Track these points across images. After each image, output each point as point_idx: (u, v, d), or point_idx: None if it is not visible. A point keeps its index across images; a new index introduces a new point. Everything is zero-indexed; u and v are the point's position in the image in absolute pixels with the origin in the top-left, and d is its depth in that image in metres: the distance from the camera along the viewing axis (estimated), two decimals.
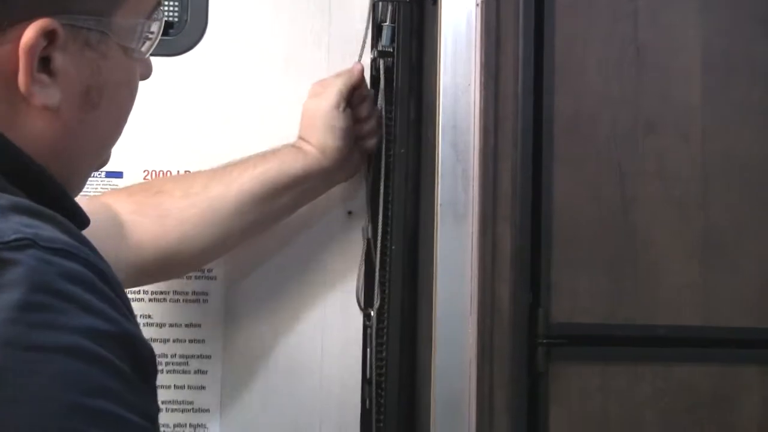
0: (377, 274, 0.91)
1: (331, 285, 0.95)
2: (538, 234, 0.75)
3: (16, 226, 0.43)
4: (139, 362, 0.45)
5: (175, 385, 0.93)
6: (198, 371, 0.93)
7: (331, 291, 0.95)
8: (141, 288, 0.92)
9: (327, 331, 0.94)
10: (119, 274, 0.81)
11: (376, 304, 0.91)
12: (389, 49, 0.90)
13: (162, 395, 0.89)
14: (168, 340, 0.93)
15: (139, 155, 0.92)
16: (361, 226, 0.95)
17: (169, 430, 0.92)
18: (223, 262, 0.94)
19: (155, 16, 0.56)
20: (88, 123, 0.53)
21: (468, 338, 0.73)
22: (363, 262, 0.93)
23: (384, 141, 0.91)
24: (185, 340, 0.94)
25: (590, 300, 0.75)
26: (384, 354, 0.88)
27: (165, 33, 0.58)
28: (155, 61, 0.60)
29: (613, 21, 0.77)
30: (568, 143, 0.76)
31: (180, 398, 0.93)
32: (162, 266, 0.85)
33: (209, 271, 0.94)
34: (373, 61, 0.92)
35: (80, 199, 0.60)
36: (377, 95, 0.92)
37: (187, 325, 0.94)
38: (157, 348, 0.92)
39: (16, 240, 0.42)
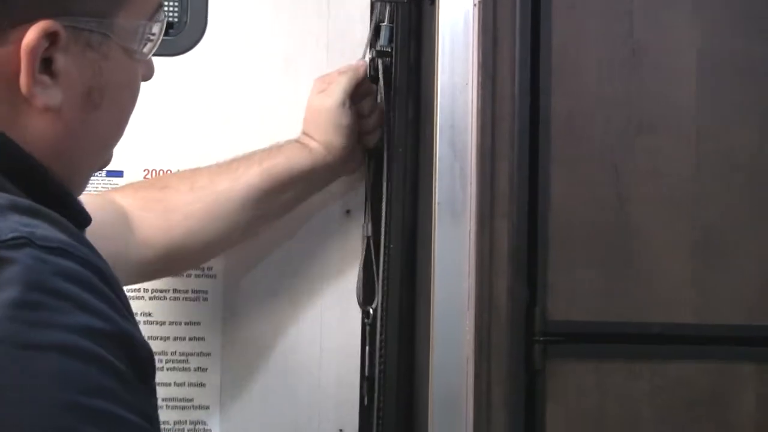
0: (376, 272, 0.91)
1: (330, 283, 0.95)
2: (535, 232, 0.75)
3: (13, 225, 0.44)
4: (136, 362, 0.44)
5: (175, 383, 0.93)
6: (198, 369, 0.93)
7: (330, 289, 0.95)
8: (141, 286, 0.92)
9: (326, 328, 0.94)
10: (126, 269, 0.82)
11: (376, 301, 0.91)
12: (387, 49, 0.90)
13: (162, 392, 0.89)
14: (168, 338, 0.93)
15: (140, 154, 0.92)
16: (358, 225, 0.94)
17: (169, 427, 0.92)
18: (222, 260, 0.94)
19: (157, 17, 0.56)
20: (89, 123, 0.53)
21: (465, 335, 0.73)
22: (363, 261, 0.93)
23: (385, 140, 0.90)
24: (185, 338, 0.94)
25: (587, 298, 0.75)
26: (382, 351, 0.88)
27: (165, 33, 0.58)
28: (155, 60, 0.59)
29: (608, 21, 0.77)
30: (564, 143, 0.76)
31: (180, 395, 0.93)
32: (168, 260, 0.86)
33: (209, 269, 0.94)
34: (372, 61, 0.92)
35: (86, 196, 0.60)
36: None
37: (186, 323, 0.94)
38: (158, 346, 0.92)
39: (12, 239, 0.42)
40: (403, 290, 0.87)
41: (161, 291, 0.94)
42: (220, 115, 0.95)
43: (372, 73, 0.92)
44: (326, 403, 0.94)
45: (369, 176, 0.94)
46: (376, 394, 0.89)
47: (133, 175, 0.92)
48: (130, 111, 0.57)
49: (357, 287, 0.94)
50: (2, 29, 0.48)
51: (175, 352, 0.93)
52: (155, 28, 0.56)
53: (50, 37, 0.49)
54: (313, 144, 0.89)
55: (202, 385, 0.93)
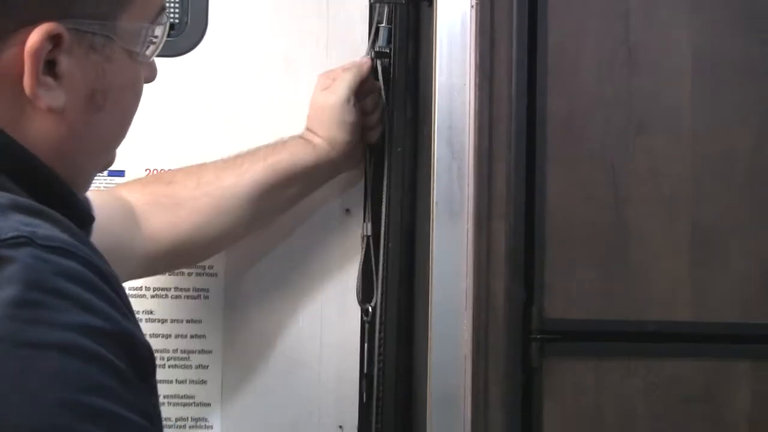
0: (375, 270, 0.91)
1: (330, 281, 0.95)
2: (532, 232, 0.75)
3: (14, 224, 0.43)
4: (137, 361, 0.44)
5: (176, 380, 0.93)
6: (199, 366, 0.93)
7: (330, 287, 0.95)
8: (143, 284, 0.92)
9: (325, 326, 0.94)
10: (133, 263, 0.82)
11: (375, 300, 0.91)
12: (386, 50, 0.90)
13: (164, 390, 0.89)
14: (170, 336, 0.93)
15: (141, 154, 0.92)
16: (358, 223, 0.94)
17: (171, 423, 0.92)
18: (224, 258, 0.94)
19: (159, 20, 0.55)
20: (93, 125, 0.53)
21: (463, 334, 0.73)
22: (362, 259, 0.93)
23: (386, 139, 0.90)
24: (186, 336, 0.93)
25: (583, 296, 0.75)
26: (381, 349, 0.88)
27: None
28: (157, 61, 0.59)
29: (605, 22, 0.77)
30: (561, 143, 0.76)
31: (181, 392, 0.93)
32: (174, 255, 0.86)
33: (210, 267, 0.94)
34: (371, 61, 0.91)
35: (92, 192, 0.60)
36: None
37: (188, 321, 0.94)
38: (159, 343, 0.92)
39: (13, 238, 0.42)
40: (401, 289, 0.87)
41: (163, 289, 0.93)
42: (221, 114, 0.95)
43: (371, 73, 0.92)
44: (326, 400, 0.94)
45: (369, 174, 0.94)
46: (375, 392, 0.89)
47: (134, 174, 0.92)
48: (133, 112, 0.57)
49: (357, 285, 0.94)
50: (6, 31, 0.48)
51: (177, 349, 0.93)
52: (158, 31, 0.55)
53: (54, 39, 0.49)
54: (317, 140, 0.89)
55: (203, 382, 0.93)
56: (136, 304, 0.49)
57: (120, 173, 0.91)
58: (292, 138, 0.89)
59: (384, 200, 0.90)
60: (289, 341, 0.94)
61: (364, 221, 0.94)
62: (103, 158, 0.58)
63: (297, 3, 0.95)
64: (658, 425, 0.75)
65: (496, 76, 0.75)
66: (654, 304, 0.76)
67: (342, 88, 0.88)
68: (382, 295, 0.89)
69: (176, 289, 0.93)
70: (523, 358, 0.73)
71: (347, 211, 0.95)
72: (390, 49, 0.89)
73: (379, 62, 0.90)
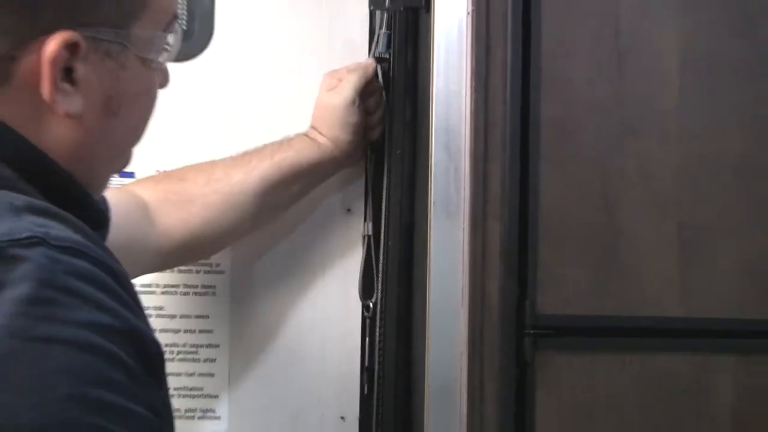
0: (376, 268, 0.91)
1: (331, 278, 0.95)
2: (526, 231, 0.75)
3: (28, 225, 0.44)
4: (145, 357, 0.44)
5: (185, 373, 0.93)
6: (207, 359, 0.94)
7: (332, 284, 0.95)
8: (153, 281, 0.92)
9: (327, 321, 0.95)
10: (146, 258, 0.82)
11: (375, 296, 0.91)
12: (386, 55, 0.90)
13: (173, 382, 0.89)
14: (179, 331, 0.93)
15: (150, 156, 0.92)
16: (359, 222, 0.95)
17: (180, 414, 0.92)
18: (230, 256, 0.94)
19: (172, 28, 0.55)
20: (109, 129, 0.53)
21: (459, 330, 0.73)
22: (364, 257, 0.93)
23: (386, 141, 0.90)
24: (195, 331, 0.94)
25: (575, 293, 0.75)
26: (381, 344, 0.88)
27: None
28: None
29: (596, 29, 0.77)
30: (554, 145, 0.76)
31: (190, 385, 0.93)
32: (187, 249, 0.86)
33: (217, 265, 0.94)
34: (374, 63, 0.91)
35: (108, 190, 0.60)
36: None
37: (196, 316, 0.94)
38: (169, 338, 0.92)
39: (27, 238, 0.42)
40: (400, 286, 0.87)
41: (172, 286, 0.94)
42: (228, 115, 0.95)
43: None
44: (328, 392, 0.94)
45: (370, 175, 0.94)
46: (375, 384, 0.90)
47: (144, 176, 0.92)
48: (148, 117, 0.57)
49: (358, 282, 0.94)
50: (24, 39, 0.48)
51: (186, 343, 0.93)
52: (171, 39, 0.55)
53: (71, 47, 0.49)
54: (321, 139, 0.89)
55: (211, 375, 0.94)
56: (147, 301, 0.49)
57: (130, 175, 0.92)
58: (298, 136, 0.89)
59: (384, 200, 0.90)
60: (292, 336, 0.94)
61: (364, 221, 0.94)
62: (118, 161, 0.58)
63: (299, 10, 0.95)
64: (647, 417, 0.75)
65: (491, 81, 0.75)
66: (643, 301, 0.76)
67: (347, 89, 0.88)
68: (382, 291, 0.89)
69: (185, 286, 0.94)
70: (517, 353, 0.73)
71: (348, 210, 0.95)
72: (389, 55, 0.89)
73: (379, 67, 0.90)
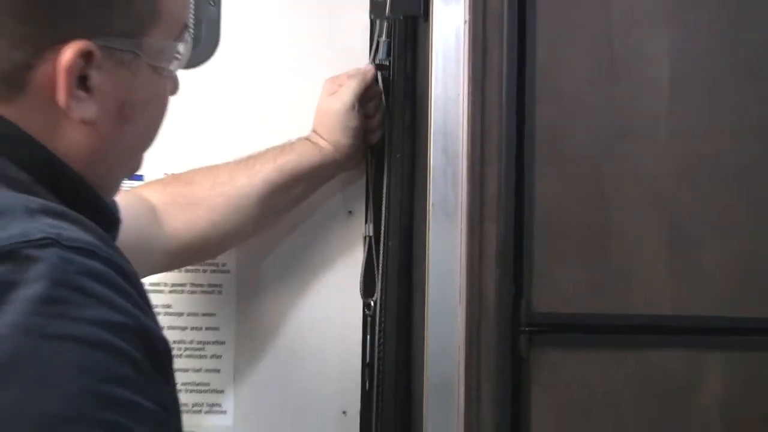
0: (377, 267, 0.91)
1: (333, 278, 0.95)
2: (522, 232, 0.75)
3: (42, 226, 0.44)
4: (154, 354, 0.45)
5: (192, 369, 0.93)
6: (213, 356, 0.94)
7: (333, 283, 0.95)
8: (161, 281, 0.92)
9: (329, 319, 0.95)
10: (153, 259, 0.83)
11: (376, 295, 0.91)
12: (386, 62, 0.90)
13: (181, 378, 0.90)
14: (186, 328, 0.94)
15: (158, 159, 0.92)
16: (360, 224, 0.95)
17: (188, 408, 0.93)
18: (236, 257, 0.94)
19: (182, 38, 0.56)
20: (122, 135, 0.54)
21: (457, 327, 0.73)
22: (365, 257, 0.93)
23: (386, 145, 0.91)
24: (202, 328, 0.94)
25: (569, 291, 0.75)
26: (382, 341, 0.88)
27: None
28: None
29: (588, 36, 0.77)
30: (548, 149, 0.76)
31: (197, 380, 0.93)
32: (193, 251, 0.86)
33: (223, 265, 0.94)
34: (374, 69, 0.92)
35: (119, 193, 0.60)
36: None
37: (203, 314, 0.94)
38: (176, 335, 0.93)
39: (40, 239, 0.43)
40: (400, 285, 0.87)
41: (180, 285, 0.94)
42: (233, 121, 0.95)
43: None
44: (330, 388, 0.94)
45: (370, 177, 0.94)
46: (376, 380, 0.90)
47: (153, 178, 0.92)
48: (159, 123, 0.57)
49: (359, 281, 0.94)
50: (41, 48, 0.49)
51: (193, 340, 0.94)
52: (181, 48, 0.56)
53: (86, 56, 0.49)
54: (322, 143, 0.89)
55: (217, 370, 0.94)
56: (155, 299, 0.49)
57: (139, 177, 0.92)
58: (299, 140, 0.90)
59: (384, 202, 0.90)
60: (296, 333, 0.95)
61: (365, 222, 0.94)
62: (130, 165, 0.58)
63: (303, 19, 0.95)
64: (639, 411, 0.75)
65: (487, 87, 0.75)
66: (635, 299, 0.76)
67: (347, 94, 0.88)
68: (382, 290, 0.89)
69: (192, 285, 0.94)
70: (512, 350, 0.73)
71: (350, 212, 0.96)
72: (389, 62, 0.90)
73: (379, 73, 0.91)
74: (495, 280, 0.74)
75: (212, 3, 0.94)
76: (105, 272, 0.44)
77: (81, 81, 0.50)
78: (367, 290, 0.93)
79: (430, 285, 0.74)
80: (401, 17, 0.87)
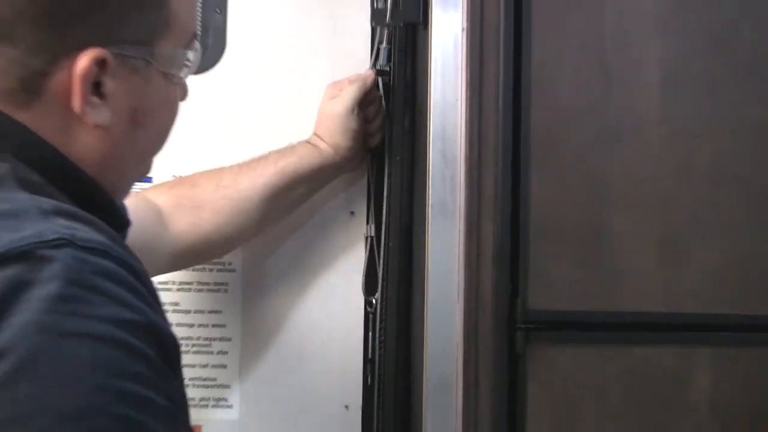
0: (378, 266, 0.91)
1: (336, 277, 0.95)
2: (517, 232, 0.75)
3: (56, 227, 0.44)
4: (163, 350, 0.45)
5: (199, 364, 0.94)
6: (220, 352, 0.94)
7: (336, 282, 0.95)
8: (169, 279, 0.92)
9: (332, 317, 0.95)
10: (159, 260, 0.83)
11: (377, 293, 0.92)
12: (386, 68, 0.90)
13: (188, 373, 0.90)
14: (193, 325, 0.94)
15: (166, 161, 0.92)
16: (362, 224, 0.95)
17: (195, 403, 0.93)
18: (241, 256, 0.94)
19: (192, 46, 0.56)
20: (134, 140, 0.54)
21: (456, 324, 0.73)
22: (367, 257, 0.93)
23: (386, 148, 0.91)
24: (208, 325, 0.94)
25: (564, 290, 0.75)
26: (383, 337, 0.89)
27: None
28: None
29: (582, 43, 0.77)
30: (543, 151, 0.76)
31: (204, 375, 0.94)
32: (197, 252, 0.86)
33: (229, 264, 0.94)
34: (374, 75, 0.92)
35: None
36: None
37: (210, 312, 0.94)
38: (184, 332, 0.93)
39: (55, 239, 0.43)
40: (400, 284, 0.87)
41: (187, 283, 0.94)
42: (238, 124, 0.95)
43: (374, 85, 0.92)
44: (333, 382, 0.94)
45: (372, 179, 0.95)
46: (377, 375, 0.90)
47: (161, 180, 0.93)
48: (169, 128, 0.57)
49: (362, 280, 0.95)
50: (57, 56, 0.49)
51: (200, 337, 0.94)
52: (191, 55, 0.56)
53: (100, 63, 0.49)
54: (323, 145, 0.89)
55: (223, 366, 0.94)
56: (163, 297, 0.49)
57: (148, 179, 0.92)
58: (300, 143, 0.90)
59: (385, 203, 0.90)
60: (299, 330, 0.95)
61: (367, 223, 0.94)
62: (141, 168, 0.58)
63: (306, 26, 0.96)
64: (630, 405, 0.76)
65: (484, 93, 0.75)
66: (627, 297, 0.76)
67: (347, 98, 0.88)
68: (383, 288, 0.89)
69: (199, 283, 0.94)
70: (509, 346, 0.74)
71: (352, 213, 0.96)
72: (390, 68, 0.90)
73: (380, 79, 0.91)
74: (492, 279, 0.74)
75: (218, 11, 0.94)
76: (117, 271, 0.44)
77: (95, 87, 0.50)
78: (368, 288, 0.94)
79: (430, 283, 0.74)
80: (401, 25, 0.87)
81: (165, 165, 0.92)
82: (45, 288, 0.41)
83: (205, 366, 0.94)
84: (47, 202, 0.46)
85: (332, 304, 0.95)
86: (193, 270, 0.93)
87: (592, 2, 0.77)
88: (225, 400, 0.94)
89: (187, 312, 0.94)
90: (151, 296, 0.46)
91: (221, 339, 0.94)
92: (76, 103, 0.49)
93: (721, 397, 0.76)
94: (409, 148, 0.88)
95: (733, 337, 0.78)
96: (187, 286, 0.94)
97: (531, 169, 0.75)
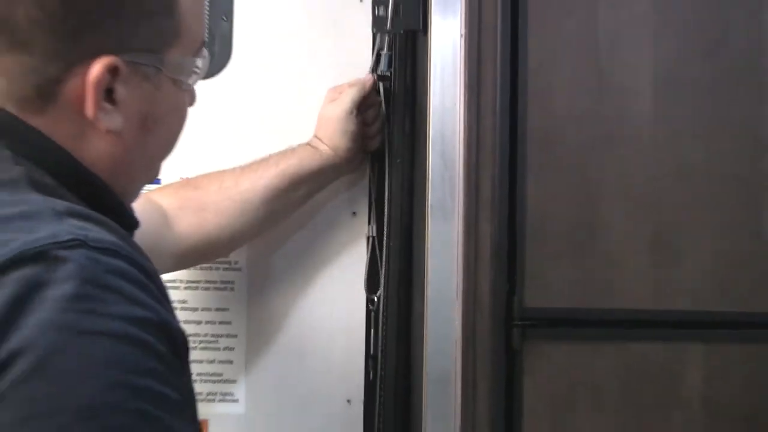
0: (380, 265, 0.92)
1: (339, 275, 0.95)
2: (514, 232, 0.75)
3: (70, 228, 0.44)
4: (174, 346, 0.45)
5: (206, 360, 0.94)
6: (226, 348, 0.94)
7: (339, 280, 0.95)
8: (177, 277, 0.93)
9: (335, 314, 0.95)
10: (163, 260, 0.83)
11: (379, 291, 0.92)
12: (387, 74, 0.90)
13: (196, 368, 0.90)
14: (201, 322, 0.94)
15: (174, 164, 0.93)
16: (363, 224, 0.95)
17: (202, 397, 0.93)
18: (246, 255, 0.94)
19: (200, 53, 0.56)
20: (144, 145, 0.54)
21: (454, 322, 0.74)
22: (369, 256, 0.94)
23: (386, 151, 0.91)
24: (215, 322, 0.94)
25: (559, 288, 0.76)
26: (384, 334, 0.89)
27: None
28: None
29: (577, 49, 0.77)
30: (539, 154, 0.76)
31: (211, 371, 0.94)
32: (200, 253, 0.86)
33: (235, 263, 0.95)
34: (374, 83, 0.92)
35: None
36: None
37: (216, 309, 0.95)
38: (192, 328, 0.93)
39: (69, 240, 0.43)
40: (401, 282, 0.87)
41: (194, 282, 0.94)
42: (242, 128, 0.95)
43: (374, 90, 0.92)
44: (336, 378, 0.94)
45: (373, 181, 0.95)
46: (378, 371, 0.90)
47: (168, 182, 0.93)
48: (178, 133, 0.58)
49: (364, 278, 0.95)
50: (71, 63, 0.49)
51: (207, 334, 0.94)
52: (200, 63, 0.56)
53: (112, 71, 0.50)
54: (322, 147, 0.89)
55: (229, 362, 0.94)
56: (172, 295, 0.50)
57: (157, 181, 0.92)
58: (301, 145, 0.90)
59: (386, 204, 0.91)
60: (303, 326, 0.95)
61: (368, 223, 0.94)
62: (151, 172, 0.59)
63: (309, 33, 0.96)
64: (624, 400, 0.76)
65: (482, 97, 0.75)
66: (620, 295, 0.76)
67: (346, 101, 0.88)
68: (384, 286, 0.90)
69: (206, 281, 0.94)
70: (506, 342, 0.74)
71: (354, 213, 0.96)
72: (390, 73, 0.90)
73: (381, 84, 0.91)
74: (489, 278, 0.74)
75: (225, 18, 0.95)
76: (129, 270, 0.44)
77: (108, 94, 0.50)
78: (370, 287, 0.94)
79: (429, 282, 0.74)
80: (401, 31, 0.87)
81: (172, 167, 0.93)
82: (60, 288, 0.41)
83: (212, 362, 0.94)
84: (60, 204, 0.47)
85: (335, 302, 0.95)
86: (201, 268, 0.93)
87: (586, 9, 0.77)
88: (231, 394, 0.94)
89: (195, 309, 0.94)
90: (161, 294, 0.47)
91: (228, 335, 0.94)
92: (89, 109, 0.50)
93: (714, 394, 0.77)
94: (409, 150, 0.88)
95: (725, 334, 0.78)
96: (194, 284, 0.94)
97: (527, 171, 0.76)
